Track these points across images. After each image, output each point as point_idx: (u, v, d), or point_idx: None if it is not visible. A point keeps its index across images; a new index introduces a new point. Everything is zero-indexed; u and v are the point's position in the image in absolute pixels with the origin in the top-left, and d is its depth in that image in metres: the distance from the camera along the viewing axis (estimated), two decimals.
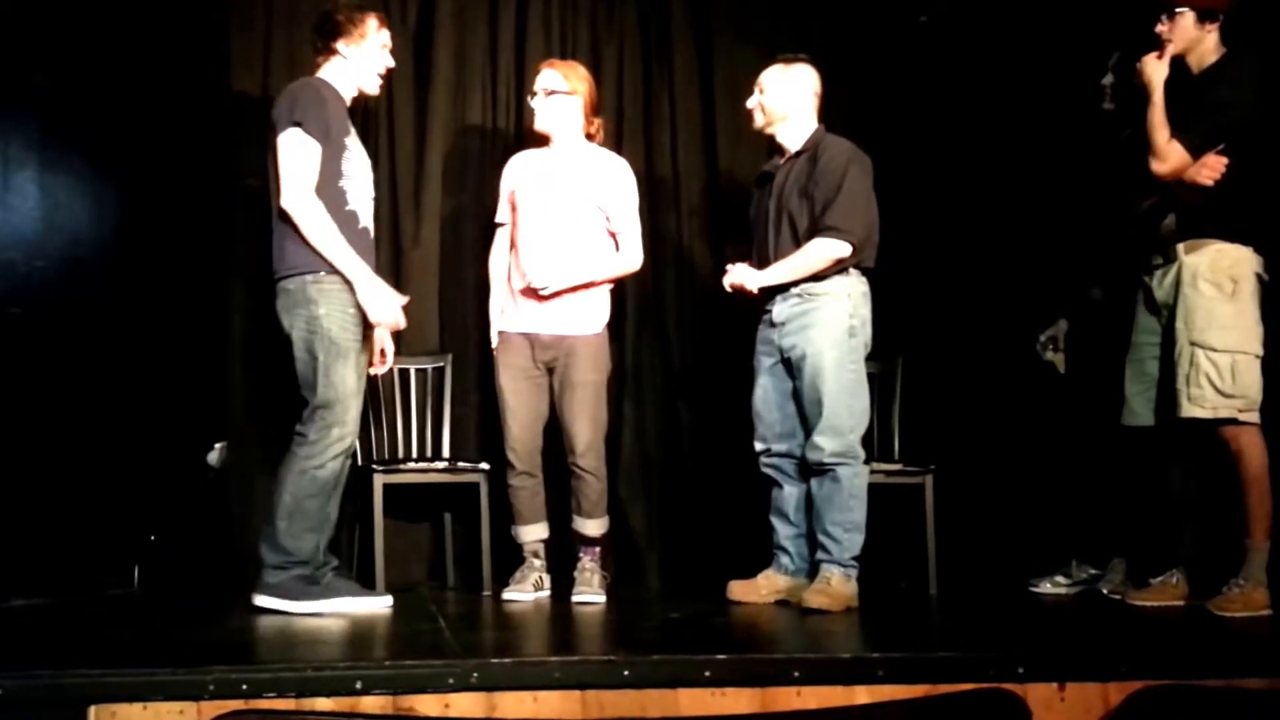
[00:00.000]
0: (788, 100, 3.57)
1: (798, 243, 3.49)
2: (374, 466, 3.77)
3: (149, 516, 3.98)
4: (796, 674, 2.51)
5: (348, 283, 3.29)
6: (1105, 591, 3.71)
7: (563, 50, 4.27)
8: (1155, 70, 3.36)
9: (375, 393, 4.03)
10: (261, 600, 3.28)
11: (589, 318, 3.71)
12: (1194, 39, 3.38)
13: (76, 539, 3.73)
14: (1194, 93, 3.34)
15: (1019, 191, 4.21)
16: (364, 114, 4.16)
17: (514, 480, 3.71)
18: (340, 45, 3.38)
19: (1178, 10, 3.37)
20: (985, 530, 4.14)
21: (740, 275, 3.55)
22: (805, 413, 3.48)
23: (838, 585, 3.37)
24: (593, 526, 3.70)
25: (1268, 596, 3.27)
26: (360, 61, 3.41)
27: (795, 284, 3.48)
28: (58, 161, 3.93)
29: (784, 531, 3.58)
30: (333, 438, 3.28)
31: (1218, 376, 3.30)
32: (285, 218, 3.28)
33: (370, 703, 2.38)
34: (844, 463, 3.41)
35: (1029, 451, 4.09)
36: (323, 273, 3.27)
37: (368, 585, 3.70)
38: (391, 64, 3.51)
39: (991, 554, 4.08)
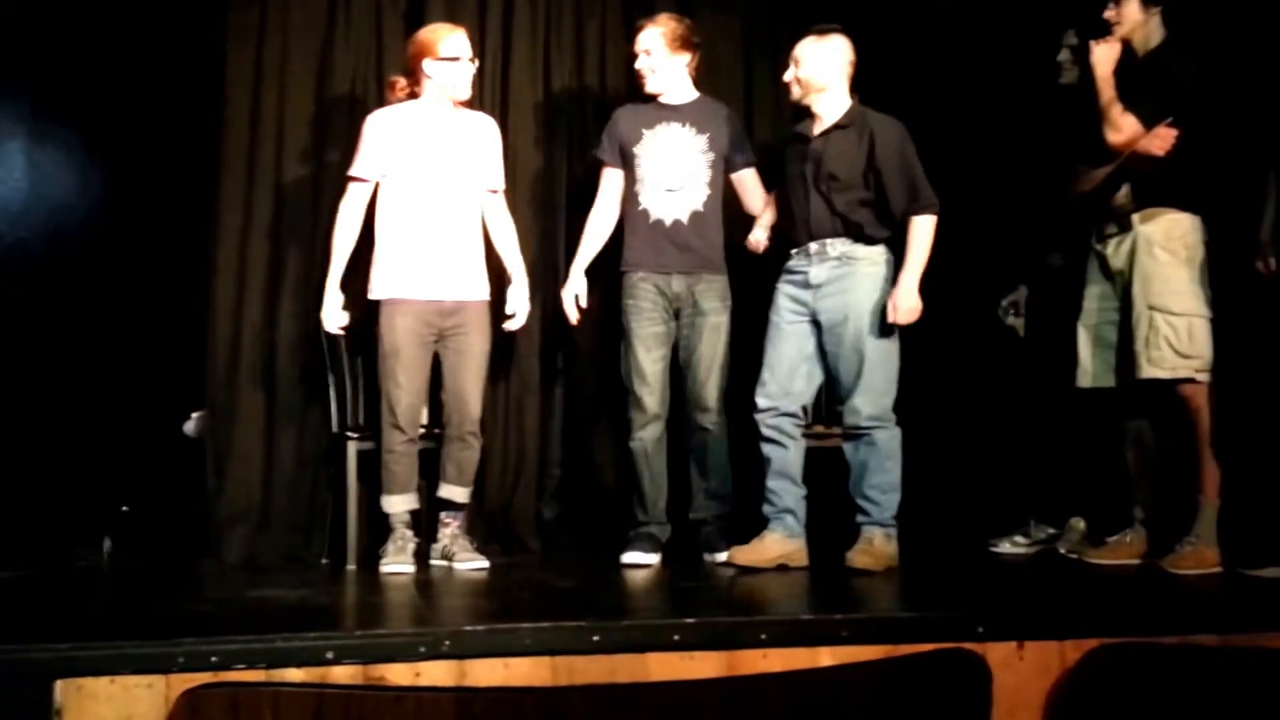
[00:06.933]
0: (825, 72, 3.57)
1: (835, 213, 3.50)
2: (348, 434, 3.76)
3: (121, 486, 3.96)
4: (763, 636, 2.55)
5: None
6: (1063, 551, 3.78)
7: (547, 24, 4.22)
8: (1103, 55, 3.50)
9: (343, 360, 4.01)
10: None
11: (483, 283, 3.71)
12: (1139, 22, 3.54)
13: (46, 509, 3.71)
14: (1142, 72, 3.49)
15: (981, 161, 4.23)
16: (350, 93, 4.08)
17: (400, 448, 3.60)
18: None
19: None
20: (946, 491, 4.20)
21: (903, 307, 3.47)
22: (839, 376, 3.50)
23: (880, 545, 3.43)
24: (467, 494, 3.71)
25: (1218, 554, 3.36)
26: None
27: (834, 247, 3.50)
28: (47, 133, 3.91)
29: (794, 493, 3.55)
30: None
31: (1176, 339, 3.41)
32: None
33: (341, 672, 2.40)
34: (880, 426, 3.44)
35: (989, 414, 4.15)
36: None
37: (339, 555, 3.71)
38: None
39: (952, 514, 4.14)
